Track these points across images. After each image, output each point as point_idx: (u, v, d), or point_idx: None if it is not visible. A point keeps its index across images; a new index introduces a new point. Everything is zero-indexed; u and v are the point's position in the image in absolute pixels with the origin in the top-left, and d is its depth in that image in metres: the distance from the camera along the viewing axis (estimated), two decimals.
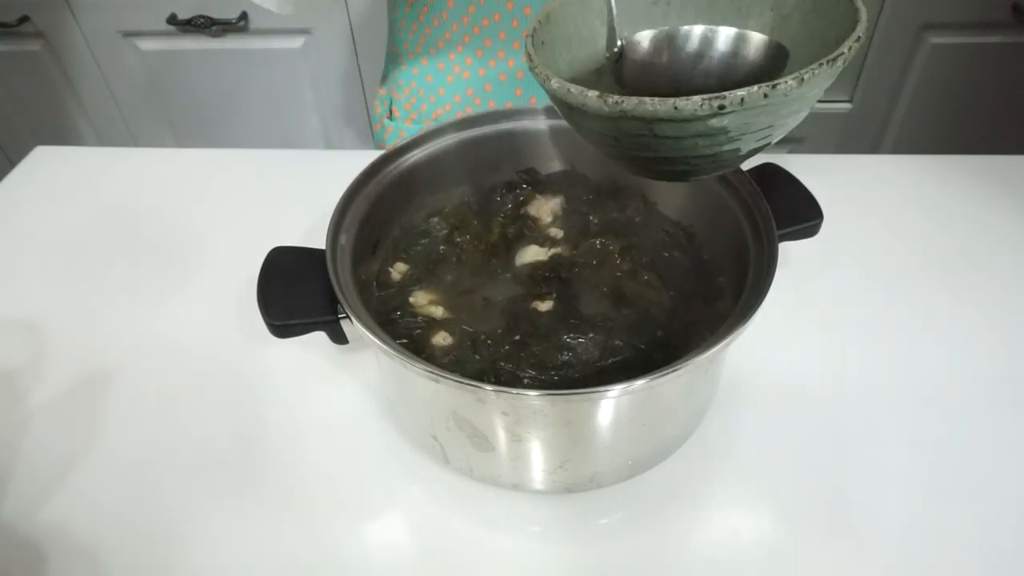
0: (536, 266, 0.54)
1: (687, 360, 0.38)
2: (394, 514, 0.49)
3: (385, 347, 0.40)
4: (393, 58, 0.80)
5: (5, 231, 0.73)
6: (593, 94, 0.36)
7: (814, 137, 1.33)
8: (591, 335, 0.49)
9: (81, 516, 0.49)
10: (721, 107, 0.33)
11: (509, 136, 0.58)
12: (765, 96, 0.33)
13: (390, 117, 0.82)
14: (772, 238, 0.45)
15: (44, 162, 0.83)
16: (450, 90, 0.73)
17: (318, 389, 0.56)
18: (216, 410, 0.55)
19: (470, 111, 0.58)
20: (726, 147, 0.37)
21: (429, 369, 0.39)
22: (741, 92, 0.33)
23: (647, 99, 0.34)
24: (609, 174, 0.59)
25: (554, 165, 0.60)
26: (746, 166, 0.52)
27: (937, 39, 1.21)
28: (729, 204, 0.51)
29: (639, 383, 0.38)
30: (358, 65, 1.34)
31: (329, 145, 1.48)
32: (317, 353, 0.58)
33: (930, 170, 0.75)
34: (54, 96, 1.44)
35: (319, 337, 0.46)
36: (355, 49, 1.32)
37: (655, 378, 0.38)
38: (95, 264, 0.69)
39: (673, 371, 0.38)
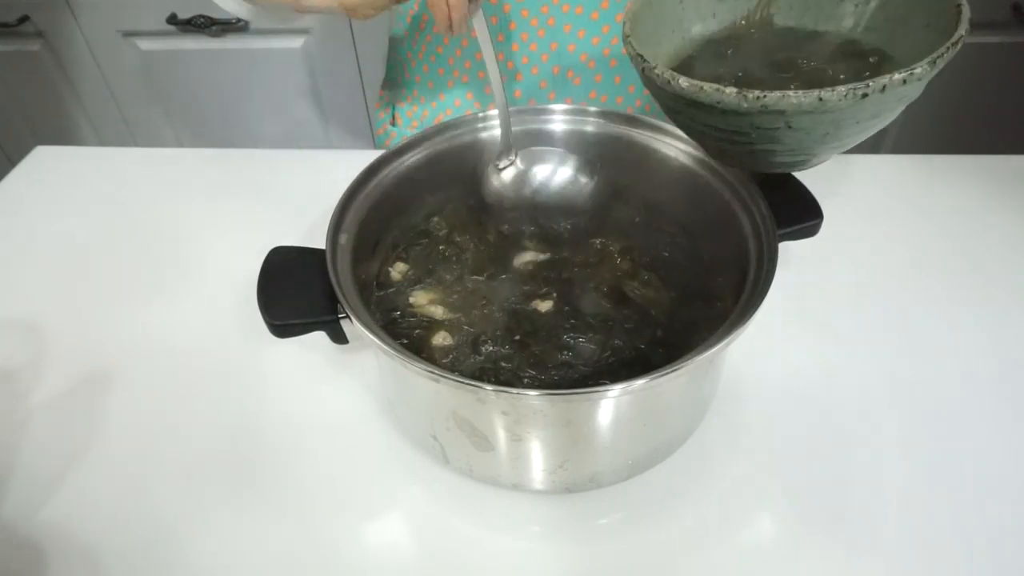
0: (536, 266, 0.54)
1: (687, 360, 0.38)
2: (394, 514, 0.49)
3: (385, 347, 0.40)
4: (394, 65, 0.80)
5: (5, 231, 0.73)
6: (731, 91, 0.36)
7: None
8: (590, 335, 0.49)
9: (81, 516, 0.49)
10: (864, 95, 0.35)
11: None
12: (904, 82, 0.35)
13: (393, 124, 0.82)
14: (772, 238, 0.45)
15: (44, 162, 0.83)
16: (451, 95, 0.73)
17: (318, 389, 0.56)
18: (216, 410, 0.55)
19: (471, 114, 0.58)
20: (846, 139, 0.38)
21: (429, 369, 0.39)
22: (883, 79, 0.35)
23: (791, 92, 0.35)
24: (609, 174, 0.59)
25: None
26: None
27: None
28: (729, 204, 0.51)
29: (639, 383, 0.38)
30: (358, 65, 1.34)
31: (329, 145, 1.48)
32: (317, 353, 0.58)
33: (930, 170, 0.75)
34: (54, 96, 1.44)
35: (319, 337, 0.46)
36: (355, 49, 1.31)
37: (655, 378, 0.38)
38: (95, 264, 0.69)
39: (673, 371, 0.38)
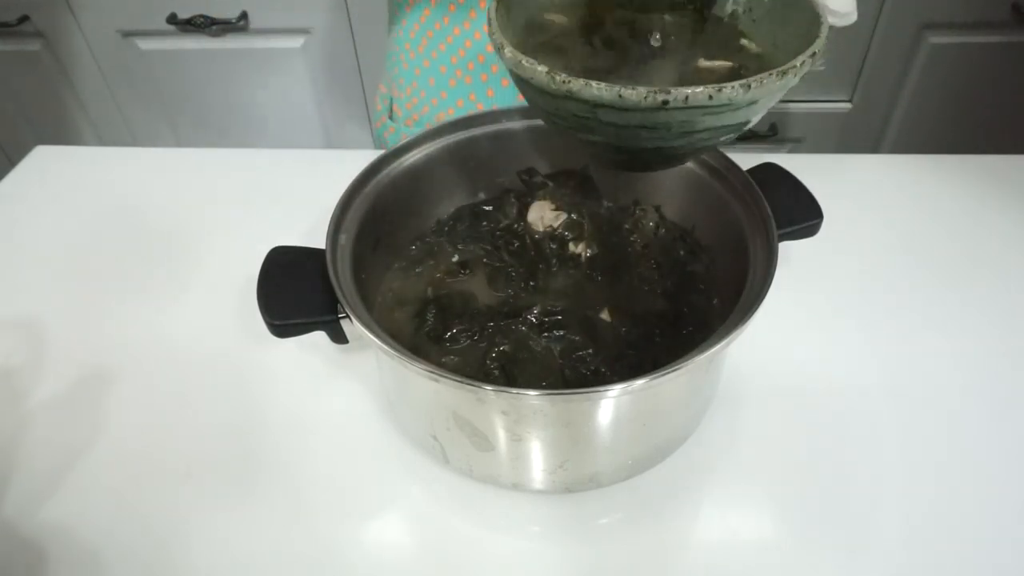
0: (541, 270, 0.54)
1: (687, 360, 0.38)
2: (394, 514, 0.49)
3: (385, 347, 0.40)
4: (394, 57, 0.80)
5: (5, 231, 0.73)
6: (542, 69, 0.35)
7: (814, 137, 1.33)
8: (590, 334, 0.49)
9: (81, 516, 0.49)
10: (665, 102, 0.33)
11: (509, 136, 0.58)
12: (710, 97, 0.33)
13: (391, 116, 0.82)
14: (772, 238, 0.45)
15: (44, 162, 0.83)
16: (452, 94, 0.73)
17: (318, 389, 0.56)
18: (216, 410, 0.55)
19: (471, 113, 0.58)
20: (667, 144, 0.37)
21: (429, 369, 0.39)
22: (687, 90, 0.33)
23: (593, 83, 0.34)
24: (608, 174, 0.59)
25: (554, 165, 0.60)
26: (745, 164, 0.52)
27: (937, 39, 1.21)
28: (729, 204, 0.51)
29: (639, 383, 0.38)
30: (358, 65, 1.34)
31: (329, 145, 1.48)
32: (317, 353, 0.58)
33: (930, 170, 0.75)
34: (54, 96, 1.44)
35: (319, 337, 0.46)
36: (355, 49, 1.31)
37: (655, 378, 0.38)
38: (95, 264, 0.69)
39: (673, 371, 0.38)
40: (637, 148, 0.38)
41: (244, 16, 1.29)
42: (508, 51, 0.37)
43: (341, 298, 0.43)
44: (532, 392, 0.38)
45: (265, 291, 0.46)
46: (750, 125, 0.38)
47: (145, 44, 1.35)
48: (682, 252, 0.55)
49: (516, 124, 0.58)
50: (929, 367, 0.56)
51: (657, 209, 0.57)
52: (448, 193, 0.59)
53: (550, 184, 0.59)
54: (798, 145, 1.34)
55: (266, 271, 0.47)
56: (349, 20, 1.28)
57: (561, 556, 0.46)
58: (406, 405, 0.50)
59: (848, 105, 1.30)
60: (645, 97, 0.33)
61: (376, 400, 0.55)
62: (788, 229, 0.49)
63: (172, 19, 1.28)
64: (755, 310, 0.41)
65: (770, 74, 0.34)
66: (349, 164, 0.53)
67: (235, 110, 1.44)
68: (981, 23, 1.19)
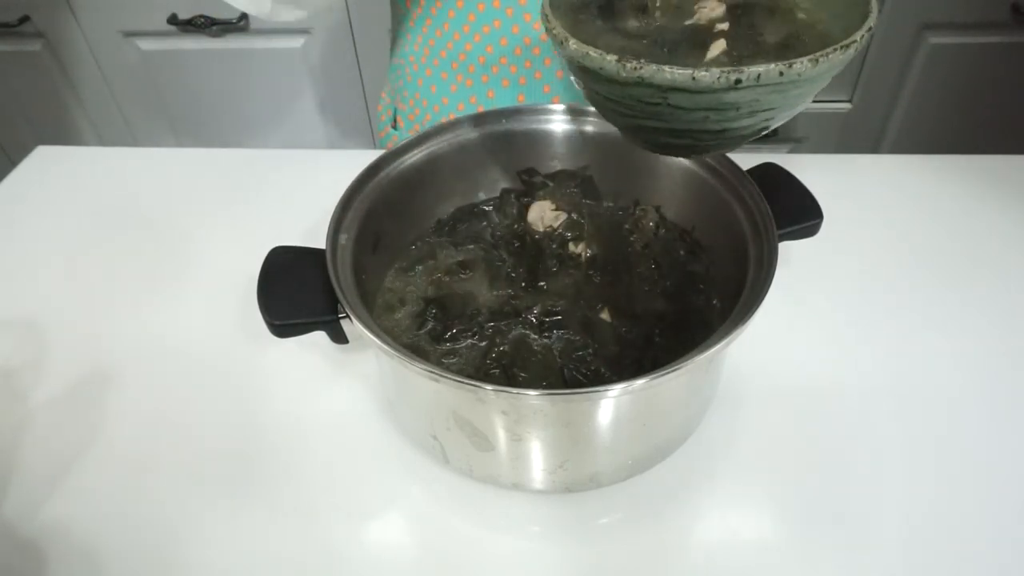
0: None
1: (687, 360, 0.38)
2: (394, 514, 0.49)
3: (385, 347, 0.40)
4: (397, 68, 0.80)
5: (5, 231, 0.73)
6: (612, 58, 0.36)
7: (814, 137, 1.33)
8: (590, 334, 0.49)
9: (81, 516, 0.49)
10: (738, 81, 0.34)
11: (509, 136, 0.58)
12: (780, 74, 0.34)
13: (394, 126, 0.82)
14: (772, 238, 0.45)
15: (44, 162, 0.83)
16: (454, 99, 0.73)
17: (318, 389, 0.56)
18: (216, 410, 0.55)
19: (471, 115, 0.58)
20: (732, 124, 0.37)
21: (429, 369, 0.39)
22: (759, 68, 0.34)
23: (666, 67, 0.34)
24: (608, 174, 0.59)
25: (554, 165, 0.60)
26: (745, 164, 0.52)
27: (937, 39, 1.21)
28: (729, 204, 0.51)
29: (639, 383, 0.38)
30: (358, 65, 1.34)
31: (329, 145, 1.48)
32: (317, 353, 0.58)
33: (930, 170, 0.75)
34: (54, 96, 1.44)
35: (319, 337, 0.46)
36: (355, 49, 1.31)
37: (655, 378, 0.38)
38: (95, 264, 0.69)
39: (673, 371, 0.38)
40: (700, 131, 0.38)
41: (244, 16, 1.29)
42: (573, 43, 0.38)
43: (341, 298, 0.43)
44: (532, 392, 0.38)
45: (265, 291, 0.46)
46: (802, 107, 0.39)
47: (145, 44, 1.35)
48: (682, 252, 0.55)
49: (516, 124, 0.58)
50: (929, 367, 0.56)
51: (657, 209, 0.57)
52: (448, 193, 0.59)
53: (550, 184, 0.59)
54: (798, 145, 1.34)
55: (266, 271, 0.47)
56: (349, 20, 1.28)
57: (561, 556, 0.46)
58: (406, 405, 0.50)
59: (848, 105, 1.30)
60: (718, 78, 0.34)
61: (376, 400, 0.55)
62: (788, 229, 0.49)
63: (172, 19, 1.28)
64: (755, 310, 0.41)
65: (834, 48, 0.35)
66: (349, 164, 0.53)
67: (235, 110, 1.44)
68: (981, 23, 1.19)
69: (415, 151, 0.56)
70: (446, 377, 0.38)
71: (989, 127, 1.31)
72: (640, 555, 0.46)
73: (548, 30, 0.40)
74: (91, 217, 0.74)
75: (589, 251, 0.55)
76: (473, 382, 0.38)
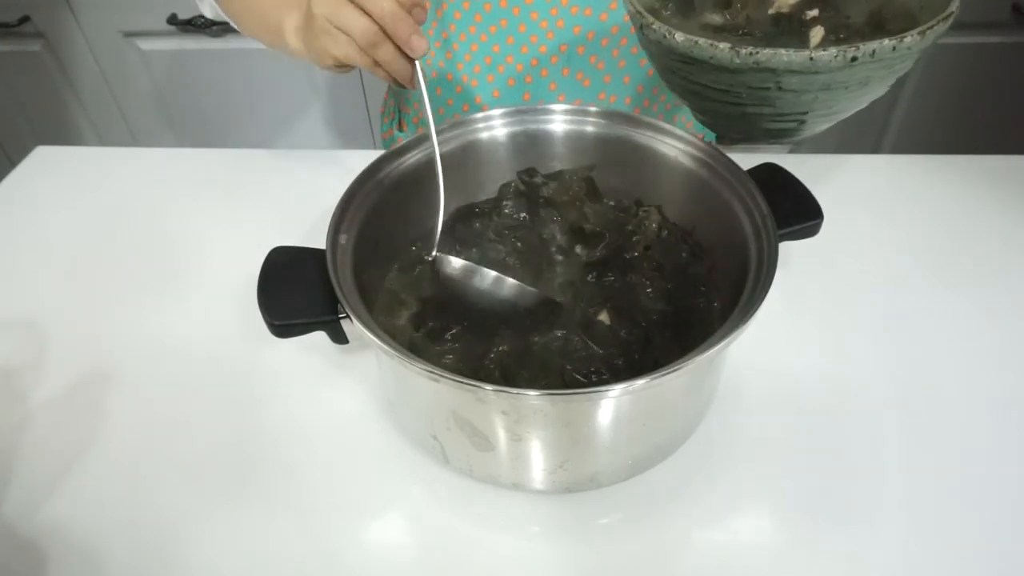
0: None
1: (687, 360, 0.38)
2: (394, 514, 0.49)
3: (385, 347, 0.40)
4: None
5: (5, 231, 0.73)
6: (725, 46, 0.37)
7: (814, 137, 1.33)
8: (590, 334, 0.49)
9: (81, 516, 0.49)
10: (854, 59, 0.35)
11: (509, 136, 0.58)
12: (893, 48, 0.36)
13: (399, 129, 0.82)
14: (772, 238, 0.45)
15: (44, 162, 0.83)
16: (459, 100, 0.73)
17: (318, 389, 0.56)
18: (216, 410, 0.55)
19: (472, 115, 0.58)
20: (836, 106, 0.39)
21: (429, 369, 0.39)
22: (873, 44, 0.35)
23: (782, 50, 0.36)
24: (609, 174, 0.59)
25: (554, 165, 0.60)
26: (745, 164, 0.52)
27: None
28: (729, 204, 0.51)
29: (639, 383, 0.38)
30: None
31: (329, 145, 1.48)
32: (317, 353, 0.58)
33: (930, 170, 0.75)
34: (54, 96, 1.44)
35: (319, 337, 0.46)
36: None
37: (655, 378, 0.38)
38: (95, 264, 0.69)
39: (673, 371, 0.38)
40: (804, 113, 0.40)
41: None
42: (680, 36, 0.38)
43: (341, 298, 0.43)
44: (532, 392, 0.38)
45: (265, 291, 0.46)
46: (892, 81, 0.41)
47: (145, 44, 1.35)
48: (684, 254, 0.55)
49: (517, 124, 0.58)
50: (929, 366, 0.56)
51: (659, 209, 0.57)
52: (448, 193, 0.59)
53: (550, 184, 0.59)
54: (798, 145, 1.34)
55: (266, 271, 0.47)
56: None
57: (561, 556, 0.46)
58: (406, 405, 0.50)
59: None
60: (836, 56, 0.35)
61: (376, 400, 0.55)
62: (788, 229, 0.49)
63: (172, 19, 1.28)
64: (755, 310, 0.41)
65: (938, 20, 0.36)
66: (349, 164, 0.53)
67: (235, 110, 1.44)
68: (981, 23, 1.19)
69: (415, 152, 0.56)
70: (446, 377, 0.38)
71: (989, 127, 1.31)
72: (640, 555, 0.46)
73: (644, 26, 0.40)
74: (91, 217, 0.74)
75: (589, 252, 0.55)
76: (473, 382, 0.38)
